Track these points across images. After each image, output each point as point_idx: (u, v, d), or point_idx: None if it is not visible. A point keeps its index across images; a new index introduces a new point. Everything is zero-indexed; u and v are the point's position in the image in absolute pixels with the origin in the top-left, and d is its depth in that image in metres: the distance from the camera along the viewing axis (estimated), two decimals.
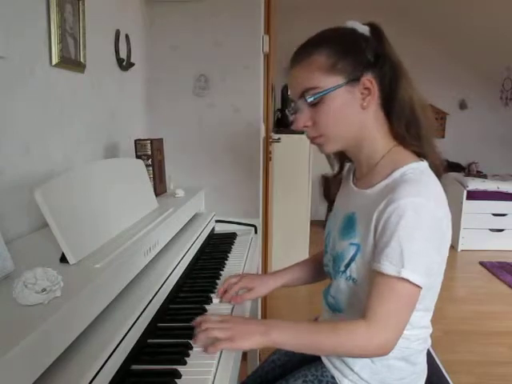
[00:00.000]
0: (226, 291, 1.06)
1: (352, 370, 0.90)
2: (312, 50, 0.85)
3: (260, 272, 2.06)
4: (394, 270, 0.75)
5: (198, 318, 0.86)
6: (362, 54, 0.84)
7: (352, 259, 0.86)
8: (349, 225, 0.89)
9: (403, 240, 0.75)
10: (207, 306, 1.03)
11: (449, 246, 0.86)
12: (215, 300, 1.06)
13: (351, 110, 0.86)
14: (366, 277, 0.84)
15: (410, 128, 0.86)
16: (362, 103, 0.85)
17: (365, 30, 0.87)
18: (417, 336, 0.90)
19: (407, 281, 0.75)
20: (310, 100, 0.84)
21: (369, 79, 0.84)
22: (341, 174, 1.05)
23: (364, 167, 0.92)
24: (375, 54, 0.85)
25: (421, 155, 0.88)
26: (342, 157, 1.01)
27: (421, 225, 0.76)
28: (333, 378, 0.93)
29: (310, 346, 0.81)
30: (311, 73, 0.84)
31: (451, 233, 0.85)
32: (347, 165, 1.04)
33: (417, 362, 0.92)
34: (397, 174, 0.83)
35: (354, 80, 0.83)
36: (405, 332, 0.84)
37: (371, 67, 0.84)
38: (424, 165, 0.86)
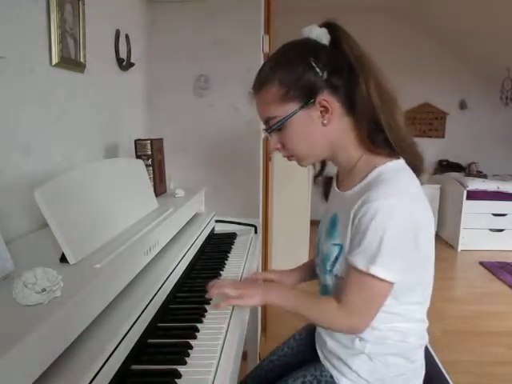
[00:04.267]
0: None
1: (350, 369, 0.91)
2: (265, 80, 0.87)
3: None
4: (364, 266, 0.80)
5: (212, 281, 0.99)
6: (313, 74, 0.83)
7: (336, 259, 0.89)
8: (332, 226, 0.92)
9: (374, 240, 0.79)
10: (207, 306, 1.02)
11: (432, 238, 0.88)
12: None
13: (313, 129, 0.87)
14: None
15: (374, 133, 0.86)
16: (322, 121, 0.86)
17: (322, 34, 0.86)
18: (412, 330, 0.91)
19: (375, 277, 0.80)
20: (272, 128, 0.89)
21: (324, 98, 0.84)
22: (322, 174, 1.07)
23: (344, 170, 0.95)
24: (330, 66, 0.83)
25: (395, 156, 0.87)
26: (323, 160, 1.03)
27: (391, 225, 0.78)
28: (331, 377, 0.94)
29: (296, 311, 0.90)
30: (267, 104, 0.88)
31: (433, 225, 0.88)
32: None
33: (415, 358, 0.93)
34: (373, 174, 0.85)
35: (308, 103, 0.84)
36: (399, 325, 0.88)
37: (326, 83, 0.84)
38: (401, 163, 0.87)
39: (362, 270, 0.80)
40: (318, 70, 0.83)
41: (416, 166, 0.89)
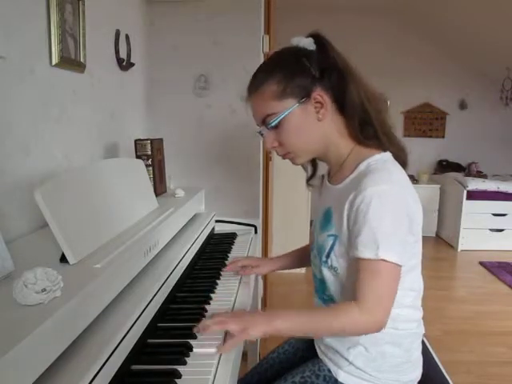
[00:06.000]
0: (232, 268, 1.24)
1: (347, 360, 0.92)
2: (262, 80, 0.92)
3: None
4: (371, 254, 0.81)
5: (206, 321, 0.88)
6: (307, 72, 0.90)
7: (331, 249, 0.91)
8: (326, 218, 0.95)
9: (373, 226, 0.81)
10: (207, 306, 1.03)
11: (421, 227, 0.91)
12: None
13: (309, 125, 0.92)
14: (345, 265, 0.90)
15: (364, 127, 0.92)
16: (317, 116, 0.91)
17: (309, 43, 0.92)
18: (404, 316, 0.92)
19: (385, 261, 0.81)
20: (270, 126, 0.93)
21: (318, 93, 0.90)
22: (314, 176, 1.10)
23: (334, 166, 0.99)
24: (320, 68, 0.90)
25: (383, 149, 0.93)
26: (314, 161, 1.07)
27: (386, 210, 0.82)
28: (329, 371, 0.96)
29: (310, 330, 0.88)
30: (266, 101, 0.92)
31: (421, 215, 0.91)
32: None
33: (411, 348, 0.94)
34: (362, 167, 0.90)
35: (304, 98, 0.90)
36: (392, 310, 0.87)
37: (318, 81, 0.90)
38: (387, 155, 0.92)
39: (371, 259, 0.82)
40: (311, 69, 0.89)
41: (402, 160, 0.94)
